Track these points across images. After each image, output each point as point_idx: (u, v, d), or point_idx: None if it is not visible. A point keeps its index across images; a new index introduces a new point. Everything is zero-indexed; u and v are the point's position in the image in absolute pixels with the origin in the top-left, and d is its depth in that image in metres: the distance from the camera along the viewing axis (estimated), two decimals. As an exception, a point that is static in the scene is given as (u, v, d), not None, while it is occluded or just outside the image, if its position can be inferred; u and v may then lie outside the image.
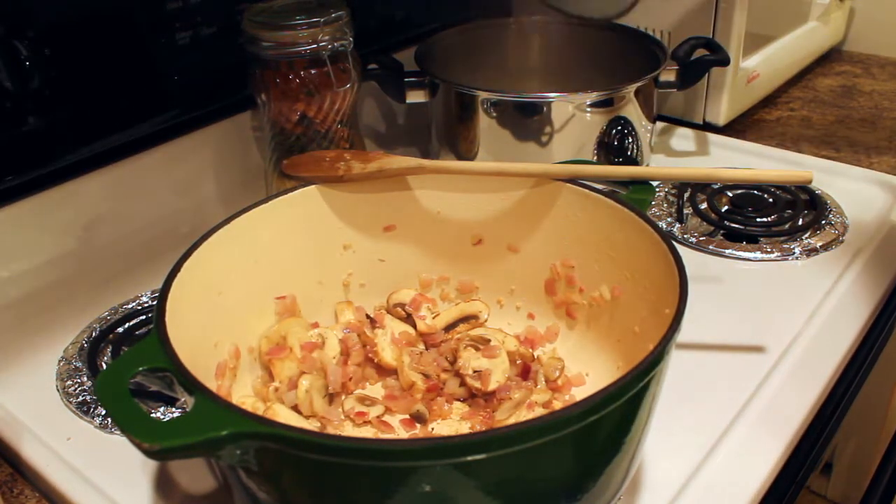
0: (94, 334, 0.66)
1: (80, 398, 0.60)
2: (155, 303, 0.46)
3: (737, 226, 0.79)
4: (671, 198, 0.84)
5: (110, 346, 0.65)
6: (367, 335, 0.61)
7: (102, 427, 0.57)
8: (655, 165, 0.89)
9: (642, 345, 0.51)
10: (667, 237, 0.50)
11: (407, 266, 0.64)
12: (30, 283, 0.68)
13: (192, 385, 0.40)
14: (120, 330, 0.67)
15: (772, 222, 0.79)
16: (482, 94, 0.79)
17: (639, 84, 0.79)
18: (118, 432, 0.56)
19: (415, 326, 0.62)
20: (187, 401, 0.40)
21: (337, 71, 0.70)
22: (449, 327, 0.62)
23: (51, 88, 0.64)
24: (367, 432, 0.55)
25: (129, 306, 0.69)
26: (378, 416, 0.56)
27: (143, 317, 0.68)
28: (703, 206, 0.82)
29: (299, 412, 0.55)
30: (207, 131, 0.78)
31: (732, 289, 0.70)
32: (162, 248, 0.69)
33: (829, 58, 1.20)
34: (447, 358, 0.59)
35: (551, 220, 0.59)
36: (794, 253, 0.74)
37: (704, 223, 0.79)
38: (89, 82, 0.67)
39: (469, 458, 0.37)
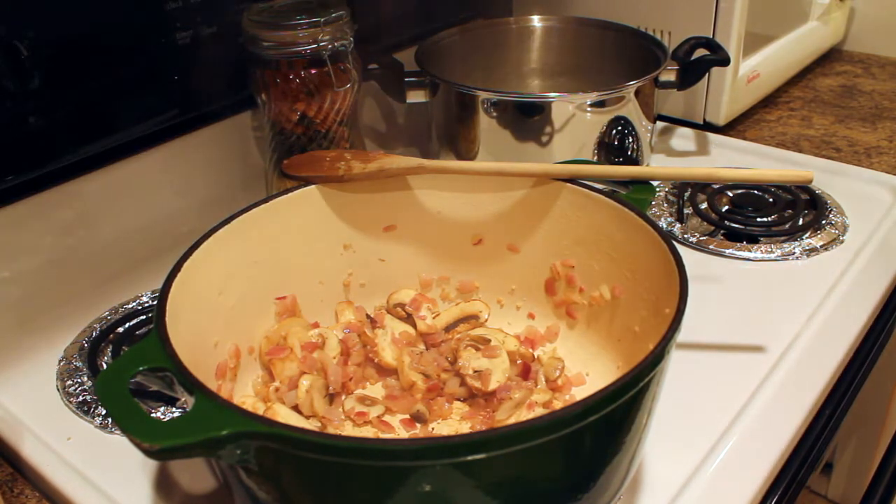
0: (94, 334, 0.66)
1: (80, 398, 0.60)
2: (155, 303, 0.46)
3: (737, 226, 0.79)
4: (671, 198, 0.84)
5: (110, 346, 0.65)
6: (367, 335, 0.61)
7: (102, 427, 0.57)
8: (655, 165, 0.89)
9: (642, 345, 0.51)
10: (667, 237, 0.50)
11: (407, 266, 0.64)
12: (30, 283, 0.68)
13: (192, 385, 0.40)
14: (120, 330, 0.67)
15: (772, 222, 0.79)
16: (482, 94, 0.79)
17: (639, 84, 0.79)
18: (118, 432, 0.56)
19: (415, 326, 0.62)
20: (187, 401, 0.40)
21: (337, 71, 0.70)
22: (449, 327, 0.62)
23: (51, 88, 0.64)
24: (367, 432, 0.55)
25: (129, 306, 0.69)
26: (378, 416, 0.56)
27: (144, 317, 0.68)
28: (704, 205, 0.82)
29: (300, 412, 0.55)
30: (207, 131, 0.78)
31: (732, 289, 0.70)
32: (162, 248, 0.69)
33: (829, 58, 1.20)
34: (447, 358, 0.59)
35: (551, 220, 0.60)
36: (794, 253, 0.74)
37: (704, 223, 0.79)
38: (89, 82, 0.67)
39: (469, 458, 0.37)
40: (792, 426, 0.56)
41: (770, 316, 0.66)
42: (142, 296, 0.70)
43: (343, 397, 0.57)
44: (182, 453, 0.37)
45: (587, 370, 0.58)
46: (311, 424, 0.54)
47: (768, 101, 1.06)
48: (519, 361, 0.58)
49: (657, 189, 0.84)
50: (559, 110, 0.78)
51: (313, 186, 0.59)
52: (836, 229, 0.77)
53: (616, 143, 0.81)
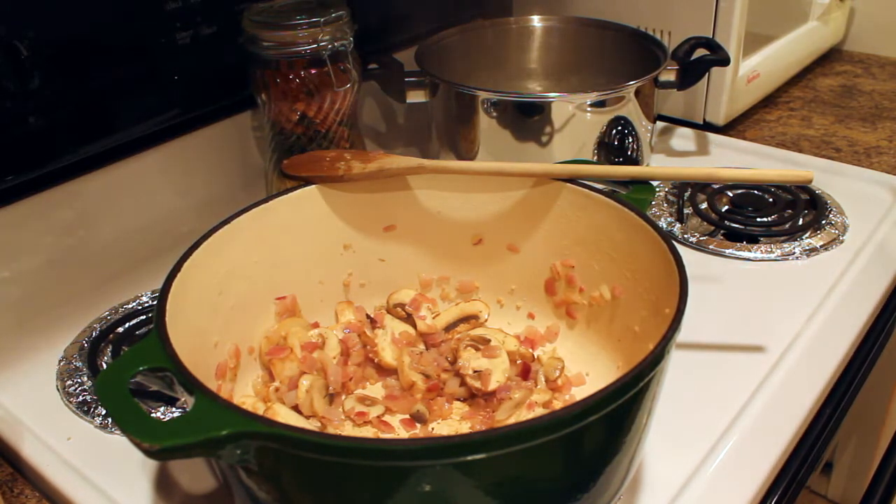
0: (94, 334, 0.66)
1: (80, 398, 0.60)
2: (155, 303, 0.46)
3: (737, 226, 0.79)
4: (671, 198, 0.84)
5: (110, 346, 0.65)
6: (367, 335, 0.61)
7: (102, 427, 0.57)
8: (655, 165, 0.89)
9: (642, 344, 0.51)
10: (667, 237, 0.50)
11: (407, 266, 0.64)
12: (30, 283, 0.68)
13: (192, 385, 0.40)
14: (120, 330, 0.67)
15: (772, 222, 0.79)
16: (482, 94, 0.79)
17: (639, 84, 0.79)
18: (118, 432, 0.56)
19: (415, 326, 0.62)
20: (187, 401, 0.40)
21: (337, 71, 0.70)
22: (449, 327, 0.62)
23: (51, 88, 0.64)
24: (367, 432, 0.55)
25: (129, 306, 0.69)
26: (378, 416, 0.56)
27: (143, 317, 0.68)
28: (704, 205, 0.82)
29: (300, 412, 0.55)
30: (207, 131, 0.78)
31: (732, 289, 0.70)
32: (162, 248, 0.69)
33: (829, 58, 1.20)
34: (447, 358, 0.59)
35: (551, 220, 0.60)
36: (794, 253, 0.74)
37: (704, 223, 0.79)
38: (89, 82, 0.67)
39: (469, 458, 0.37)
40: (792, 426, 0.56)
41: (770, 316, 0.66)
42: (142, 296, 0.70)
43: (343, 397, 0.57)
44: (182, 453, 0.37)
45: (587, 370, 0.58)
46: (311, 424, 0.54)
47: (768, 101, 1.06)
48: (519, 361, 0.58)
49: (657, 189, 0.84)
50: (559, 110, 0.78)
51: (313, 186, 0.59)
52: (836, 229, 0.77)
53: (616, 143, 0.81)
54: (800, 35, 1.09)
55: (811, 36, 1.12)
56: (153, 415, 0.56)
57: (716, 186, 0.85)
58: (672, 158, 0.93)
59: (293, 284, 0.60)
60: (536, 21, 0.95)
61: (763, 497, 0.52)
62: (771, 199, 0.82)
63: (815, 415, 0.59)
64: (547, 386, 0.58)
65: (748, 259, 0.74)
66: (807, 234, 0.76)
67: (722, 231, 0.78)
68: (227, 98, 0.78)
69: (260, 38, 0.68)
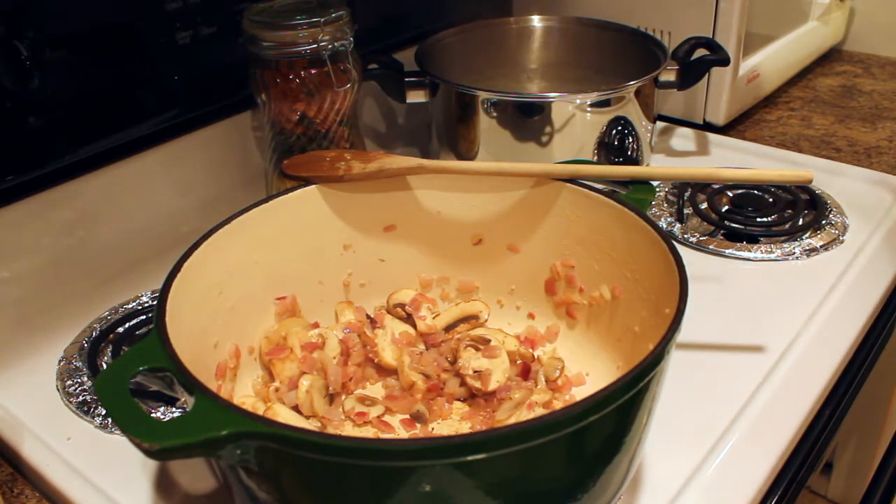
0: (94, 334, 0.66)
1: (80, 398, 0.60)
2: (155, 303, 0.46)
3: (737, 226, 0.79)
4: (671, 198, 0.84)
5: (110, 346, 0.65)
6: (367, 335, 0.61)
7: (102, 427, 0.57)
8: (655, 165, 0.89)
9: (642, 345, 0.51)
10: (667, 237, 0.50)
11: (407, 266, 0.64)
12: (30, 283, 0.68)
13: (192, 385, 0.40)
14: (120, 330, 0.67)
15: (772, 222, 0.79)
16: (482, 94, 0.79)
17: (639, 84, 0.79)
18: (118, 432, 0.56)
19: (415, 326, 0.62)
20: (187, 401, 0.40)
21: (337, 71, 0.70)
22: (449, 327, 0.62)
23: (51, 88, 0.64)
24: (367, 432, 0.55)
25: (129, 306, 0.69)
26: (378, 416, 0.56)
27: (143, 317, 0.68)
28: (704, 205, 0.82)
29: (300, 412, 0.55)
30: (207, 131, 0.78)
31: (732, 289, 0.70)
32: (162, 248, 0.69)
33: (829, 58, 1.20)
34: (447, 358, 0.59)
35: (551, 220, 0.60)
36: (794, 253, 0.74)
37: (704, 223, 0.79)
38: (89, 82, 0.67)
39: (469, 458, 0.37)
40: (792, 426, 0.56)
41: (770, 316, 0.66)
42: (142, 296, 0.70)
43: (343, 397, 0.57)
44: (182, 453, 0.37)
45: (587, 370, 0.58)
46: (311, 424, 0.54)
47: (768, 101, 1.06)
48: (519, 361, 0.58)
49: (657, 189, 0.84)
50: (559, 110, 0.78)
51: (313, 186, 0.59)
52: (836, 229, 0.77)
53: (616, 143, 0.81)
54: (800, 35, 1.09)
55: (811, 36, 1.12)
56: (153, 415, 0.56)
57: (716, 186, 0.85)
58: (672, 158, 0.93)
59: (293, 284, 0.60)
60: (536, 21, 0.95)
61: (763, 497, 0.52)
62: (771, 199, 0.82)
63: (815, 415, 0.59)
64: (547, 386, 0.58)
65: (748, 259, 0.74)
66: (807, 234, 0.76)
67: (722, 231, 0.78)
68: (227, 98, 0.78)
69: (260, 38, 0.68)
